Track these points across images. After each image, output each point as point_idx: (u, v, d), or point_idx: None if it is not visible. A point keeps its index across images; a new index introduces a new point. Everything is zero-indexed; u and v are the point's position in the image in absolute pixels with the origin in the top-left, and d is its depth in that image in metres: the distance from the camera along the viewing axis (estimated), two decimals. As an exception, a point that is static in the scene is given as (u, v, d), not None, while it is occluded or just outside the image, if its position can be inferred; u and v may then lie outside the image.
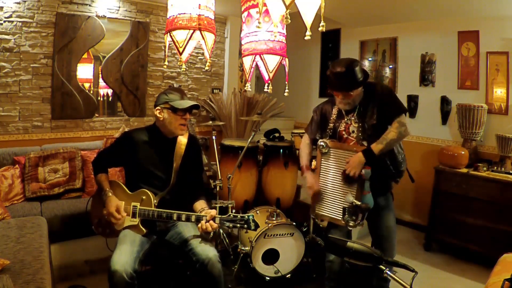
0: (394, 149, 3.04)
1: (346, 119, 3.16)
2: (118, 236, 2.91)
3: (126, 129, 5.06)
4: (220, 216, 2.88)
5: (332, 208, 3.12)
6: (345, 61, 3.00)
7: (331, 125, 3.23)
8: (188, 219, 2.87)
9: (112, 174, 4.68)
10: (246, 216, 2.87)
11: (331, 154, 3.13)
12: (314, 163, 3.33)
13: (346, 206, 2.92)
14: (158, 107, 3.06)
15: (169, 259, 3.18)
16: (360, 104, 3.09)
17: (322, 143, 3.13)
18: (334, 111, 3.24)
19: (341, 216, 2.97)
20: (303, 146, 3.50)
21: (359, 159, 2.90)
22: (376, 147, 2.88)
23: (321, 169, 3.20)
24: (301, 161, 3.42)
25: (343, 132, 3.17)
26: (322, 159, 3.19)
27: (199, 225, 2.83)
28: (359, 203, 2.84)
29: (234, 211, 3.20)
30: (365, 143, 3.01)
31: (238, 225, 2.87)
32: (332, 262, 3.15)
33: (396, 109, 3.00)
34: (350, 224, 2.90)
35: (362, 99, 3.09)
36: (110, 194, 2.96)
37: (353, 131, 3.11)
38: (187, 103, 3.01)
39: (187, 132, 3.29)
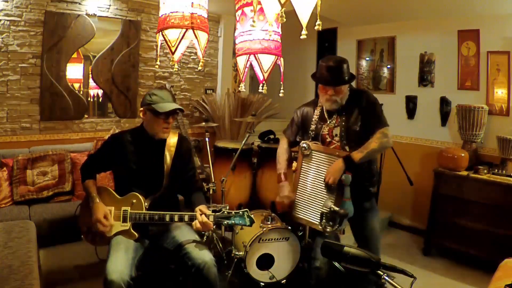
0: (371, 160, 3.09)
1: (328, 122, 3.17)
2: (108, 243, 2.84)
3: (117, 131, 4.99)
4: (214, 214, 2.83)
5: (310, 212, 3.13)
6: (336, 57, 3.11)
7: (313, 126, 3.23)
8: (181, 219, 2.84)
9: (103, 177, 4.63)
10: (241, 212, 2.83)
11: (313, 156, 3.13)
12: (294, 164, 3.33)
13: (324, 211, 2.89)
14: (141, 108, 3.03)
15: (161, 264, 3.14)
16: (344, 108, 3.10)
17: (304, 145, 3.15)
18: (316, 112, 3.25)
19: (319, 221, 2.95)
20: (281, 152, 3.51)
21: (338, 166, 2.92)
22: (357, 155, 2.91)
23: (302, 171, 3.21)
24: (278, 168, 3.43)
25: (327, 136, 3.17)
26: (303, 161, 3.19)
27: (194, 222, 2.80)
28: (337, 208, 2.82)
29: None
30: (347, 148, 3.03)
31: (233, 221, 2.82)
32: (320, 269, 3.08)
33: (379, 121, 3.02)
34: (327, 229, 2.87)
35: (347, 103, 3.10)
36: (98, 201, 2.91)
37: (336, 135, 3.12)
38: (169, 106, 2.94)
39: (176, 133, 3.24)
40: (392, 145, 3.08)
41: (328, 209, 2.84)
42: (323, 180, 3.03)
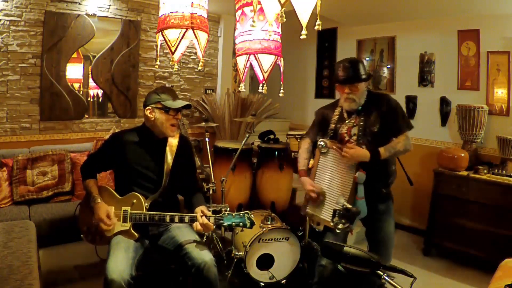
0: (388, 160, 3.09)
1: (347, 121, 3.18)
2: (108, 243, 2.83)
3: (117, 131, 4.99)
4: (214, 215, 2.83)
5: (323, 209, 3.11)
6: (351, 58, 3.18)
7: (332, 126, 3.25)
8: (181, 220, 2.82)
9: (103, 177, 4.63)
10: (241, 213, 2.81)
11: (330, 154, 3.14)
12: (311, 161, 3.33)
13: (337, 208, 2.90)
14: (149, 107, 2.99)
15: (161, 264, 3.12)
16: (363, 108, 3.12)
17: (322, 143, 3.15)
18: (336, 112, 3.27)
19: (331, 218, 2.94)
20: (302, 151, 3.49)
21: (364, 152, 2.93)
22: (384, 152, 2.93)
23: (318, 168, 3.21)
24: (299, 165, 3.42)
25: (345, 135, 3.17)
26: (320, 159, 3.19)
27: (195, 223, 2.79)
28: (349, 206, 2.82)
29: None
30: (363, 147, 3.00)
31: (233, 223, 2.81)
32: (325, 267, 3.09)
33: (406, 124, 3.08)
34: (339, 227, 2.86)
35: (365, 103, 3.13)
36: (99, 200, 2.89)
37: (354, 134, 3.12)
38: (179, 103, 2.97)
39: (178, 132, 3.23)
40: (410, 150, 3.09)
41: (341, 206, 2.85)
42: (338, 177, 3.04)
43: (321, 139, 3.18)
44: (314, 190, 3.12)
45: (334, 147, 3.09)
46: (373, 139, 3.01)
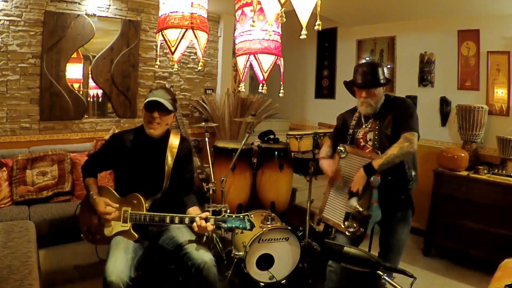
0: (405, 165, 3.04)
1: (364, 126, 3.20)
2: (108, 243, 2.82)
3: (117, 131, 4.97)
4: (214, 217, 2.81)
5: (338, 213, 3.11)
6: (369, 62, 3.24)
7: (351, 131, 3.26)
8: (181, 221, 2.80)
9: (103, 177, 4.63)
10: (241, 216, 2.80)
11: (348, 159, 3.15)
12: None
13: (349, 211, 2.89)
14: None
15: (161, 264, 3.12)
16: (380, 113, 3.12)
17: (341, 148, 3.18)
18: (354, 117, 3.29)
19: (342, 221, 2.95)
20: (324, 146, 3.56)
21: (360, 175, 2.90)
22: (376, 162, 2.87)
23: None
24: (320, 155, 3.48)
25: (361, 140, 3.20)
26: (339, 164, 3.20)
27: (194, 224, 2.76)
28: (361, 209, 2.79)
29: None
30: (379, 153, 3.00)
31: (233, 225, 2.79)
32: (333, 268, 3.05)
33: (407, 125, 2.97)
34: (350, 230, 2.86)
35: (382, 108, 3.13)
36: (95, 196, 2.89)
37: (370, 139, 3.14)
38: (150, 99, 2.90)
39: (178, 134, 3.22)
40: (414, 150, 2.95)
41: (353, 209, 2.83)
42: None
43: (341, 145, 3.19)
44: (330, 170, 3.16)
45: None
46: (387, 142, 2.98)
